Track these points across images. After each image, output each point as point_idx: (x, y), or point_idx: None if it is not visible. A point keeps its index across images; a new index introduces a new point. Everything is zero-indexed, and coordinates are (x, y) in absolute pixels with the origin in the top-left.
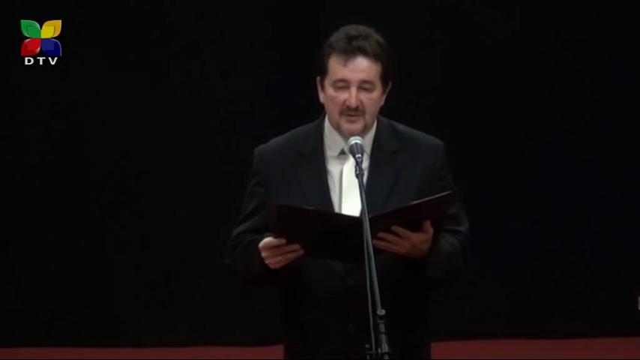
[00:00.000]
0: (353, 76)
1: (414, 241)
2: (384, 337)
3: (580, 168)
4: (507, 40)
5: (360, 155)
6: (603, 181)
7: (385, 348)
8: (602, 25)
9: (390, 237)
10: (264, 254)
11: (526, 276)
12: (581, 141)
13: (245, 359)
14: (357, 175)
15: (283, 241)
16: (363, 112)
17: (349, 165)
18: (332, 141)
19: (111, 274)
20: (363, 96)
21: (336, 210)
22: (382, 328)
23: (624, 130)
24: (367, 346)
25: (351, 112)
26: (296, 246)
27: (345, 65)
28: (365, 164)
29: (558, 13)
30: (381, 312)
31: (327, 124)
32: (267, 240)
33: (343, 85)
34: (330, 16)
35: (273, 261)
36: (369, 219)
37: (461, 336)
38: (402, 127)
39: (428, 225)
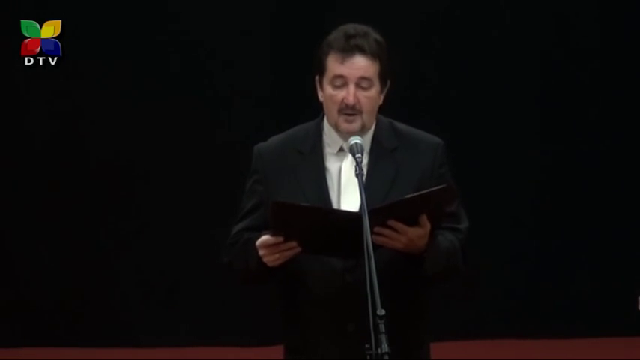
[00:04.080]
0: (351, 73)
1: (411, 235)
2: (383, 337)
3: (580, 168)
4: (506, 40)
5: (360, 155)
6: (603, 181)
7: (385, 348)
8: (601, 25)
9: (386, 232)
10: (261, 252)
11: (526, 276)
12: (581, 141)
13: (245, 359)
14: (357, 175)
15: (280, 238)
16: (361, 111)
17: (348, 162)
18: (331, 139)
19: (111, 274)
20: (361, 94)
21: (335, 207)
22: (382, 327)
23: (624, 131)
24: (367, 345)
25: (349, 110)
26: (293, 243)
27: (342, 63)
28: (364, 162)
29: (556, 12)
30: (381, 312)
31: (326, 122)
32: (265, 238)
33: (341, 82)
34: (331, 15)
35: (270, 259)
36: (367, 213)
37: (461, 336)
38: (401, 126)
39: (425, 220)
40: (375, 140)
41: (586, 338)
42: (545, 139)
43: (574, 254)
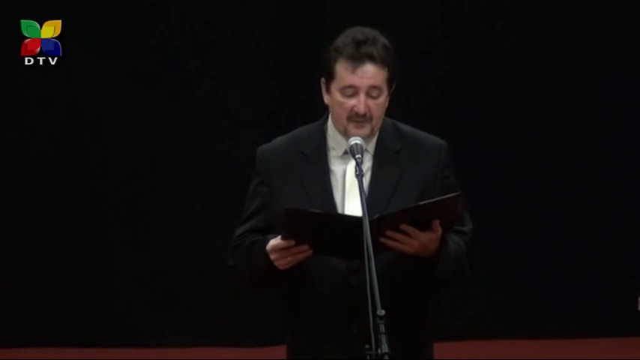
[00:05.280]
0: (362, 83)
1: (423, 240)
2: (384, 338)
3: (580, 168)
4: (508, 41)
5: (360, 156)
6: (603, 182)
7: (385, 348)
8: (602, 28)
9: (398, 236)
10: (273, 256)
11: (526, 276)
12: (582, 141)
13: (245, 359)
14: (357, 176)
15: (292, 242)
16: (371, 118)
17: (352, 165)
18: (335, 141)
19: (111, 274)
20: (371, 102)
21: (339, 209)
22: (382, 328)
23: (624, 131)
24: (367, 346)
25: (359, 118)
26: (305, 247)
27: (353, 72)
28: (368, 164)
29: (559, 16)
30: (381, 312)
31: (330, 123)
32: (276, 242)
33: (352, 92)
34: (332, 16)
35: (282, 262)
36: (377, 218)
37: (461, 336)
38: (405, 127)
39: (437, 224)
40: (379, 142)
41: (586, 338)
42: (545, 140)
43: (574, 254)
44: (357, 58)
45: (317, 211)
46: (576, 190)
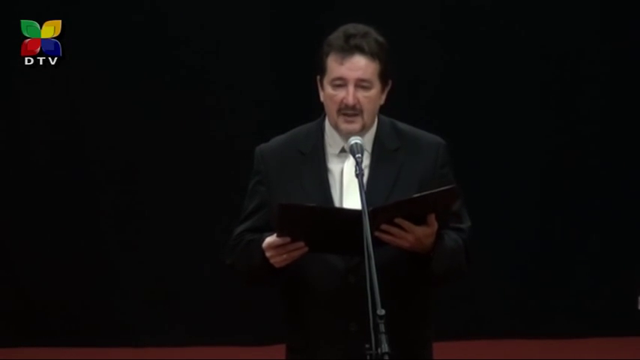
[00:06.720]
0: (350, 74)
1: (418, 234)
2: (384, 337)
3: (580, 168)
4: (508, 39)
5: (360, 155)
6: (603, 181)
7: (385, 348)
8: (601, 25)
9: (393, 230)
10: (268, 254)
11: (526, 276)
12: (582, 141)
13: (245, 359)
14: (357, 176)
15: (287, 239)
16: (361, 112)
17: (350, 163)
18: (332, 139)
19: (111, 274)
20: (361, 94)
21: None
22: (382, 328)
23: (624, 130)
24: (367, 346)
25: (349, 110)
26: (300, 244)
27: (341, 63)
28: (366, 162)
29: (558, 12)
30: (381, 312)
31: (327, 122)
32: (271, 239)
33: (340, 83)
34: (332, 16)
35: (278, 260)
36: (371, 210)
37: (461, 336)
38: (403, 126)
39: (432, 219)
40: (376, 140)
41: (586, 338)
42: (545, 139)
43: (574, 254)
44: (346, 50)
45: (312, 205)
46: (576, 190)
